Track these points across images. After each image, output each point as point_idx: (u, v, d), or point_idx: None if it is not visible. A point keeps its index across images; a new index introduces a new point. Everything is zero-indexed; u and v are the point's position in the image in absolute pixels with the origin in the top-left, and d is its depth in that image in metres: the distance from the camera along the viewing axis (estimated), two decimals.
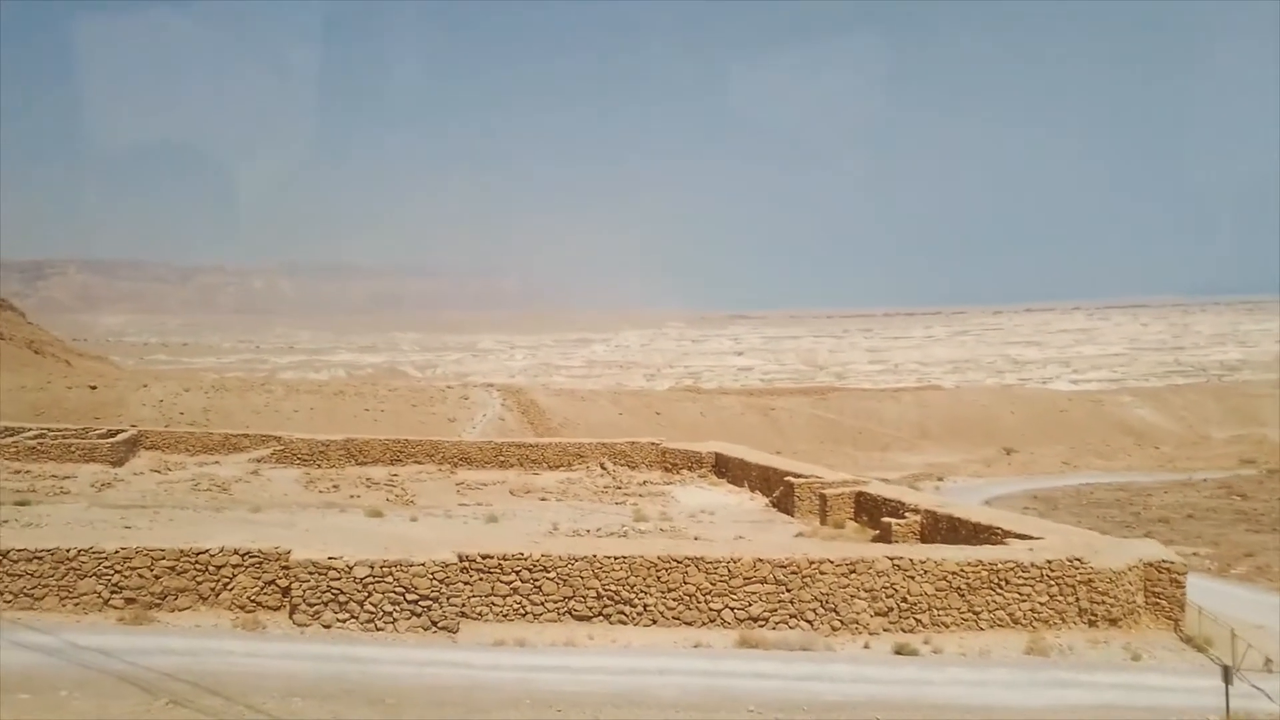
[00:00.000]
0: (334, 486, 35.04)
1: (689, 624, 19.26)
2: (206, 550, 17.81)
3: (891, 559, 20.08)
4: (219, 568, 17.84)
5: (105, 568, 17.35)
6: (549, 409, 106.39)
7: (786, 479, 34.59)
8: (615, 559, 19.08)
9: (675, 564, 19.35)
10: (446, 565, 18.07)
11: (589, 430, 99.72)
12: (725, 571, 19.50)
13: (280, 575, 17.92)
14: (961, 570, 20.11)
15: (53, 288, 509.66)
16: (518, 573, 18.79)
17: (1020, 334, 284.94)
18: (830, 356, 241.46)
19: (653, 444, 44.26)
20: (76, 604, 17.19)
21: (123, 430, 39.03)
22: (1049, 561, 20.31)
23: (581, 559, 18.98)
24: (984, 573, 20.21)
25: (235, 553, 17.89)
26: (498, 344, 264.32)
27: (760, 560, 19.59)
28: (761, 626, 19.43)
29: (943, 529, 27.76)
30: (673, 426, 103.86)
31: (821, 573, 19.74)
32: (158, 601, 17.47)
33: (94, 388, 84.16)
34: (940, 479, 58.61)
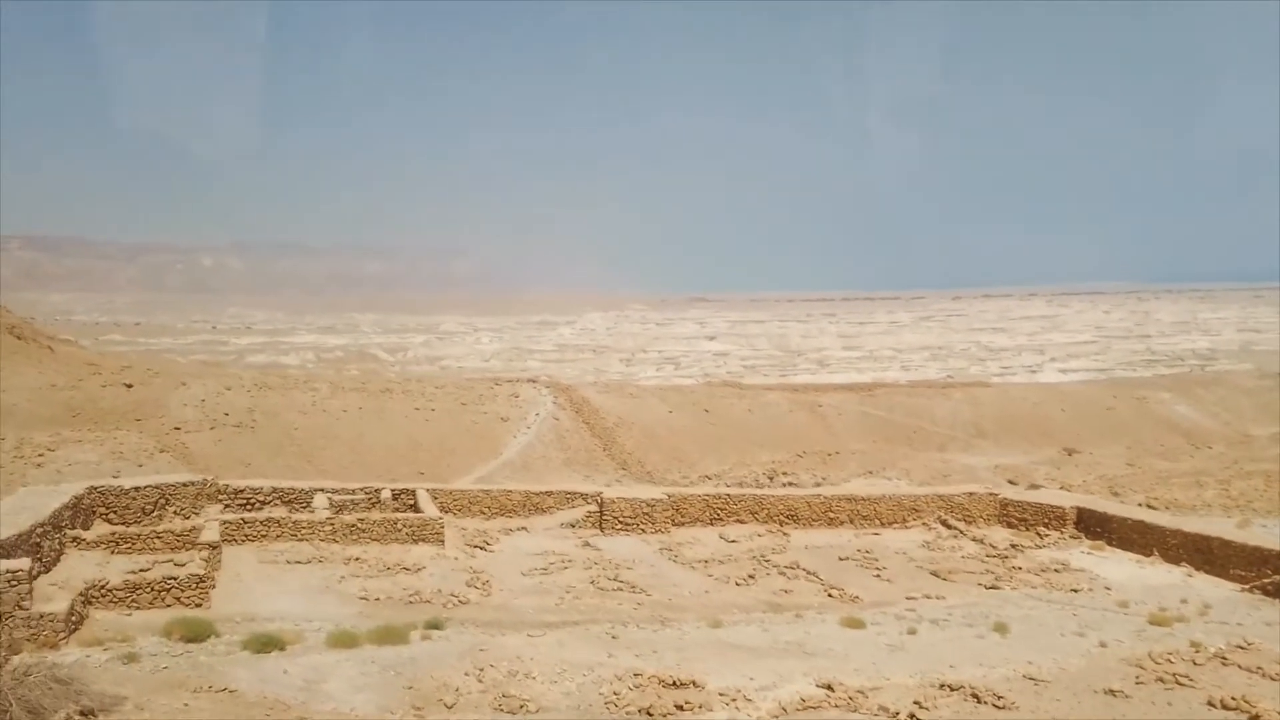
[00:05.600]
0: (749, 576, 26.64)
1: None
2: None
3: None
4: None
5: None
6: (601, 407, 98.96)
7: None
8: None
9: None
10: None
11: (644, 430, 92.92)
12: None
13: None
14: None
15: None
16: None
17: (985, 320, 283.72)
18: (803, 341, 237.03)
19: (991, 495, 37.04)
20: None
21: (410, 489, 30.04)
22: None
23: None
24: None
25: None
26: (460, 326, 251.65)
27: None
28: None
29: None
30: (723, 424, 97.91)
31: None
32: None
33: (129, 386, 72.93)
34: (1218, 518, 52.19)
